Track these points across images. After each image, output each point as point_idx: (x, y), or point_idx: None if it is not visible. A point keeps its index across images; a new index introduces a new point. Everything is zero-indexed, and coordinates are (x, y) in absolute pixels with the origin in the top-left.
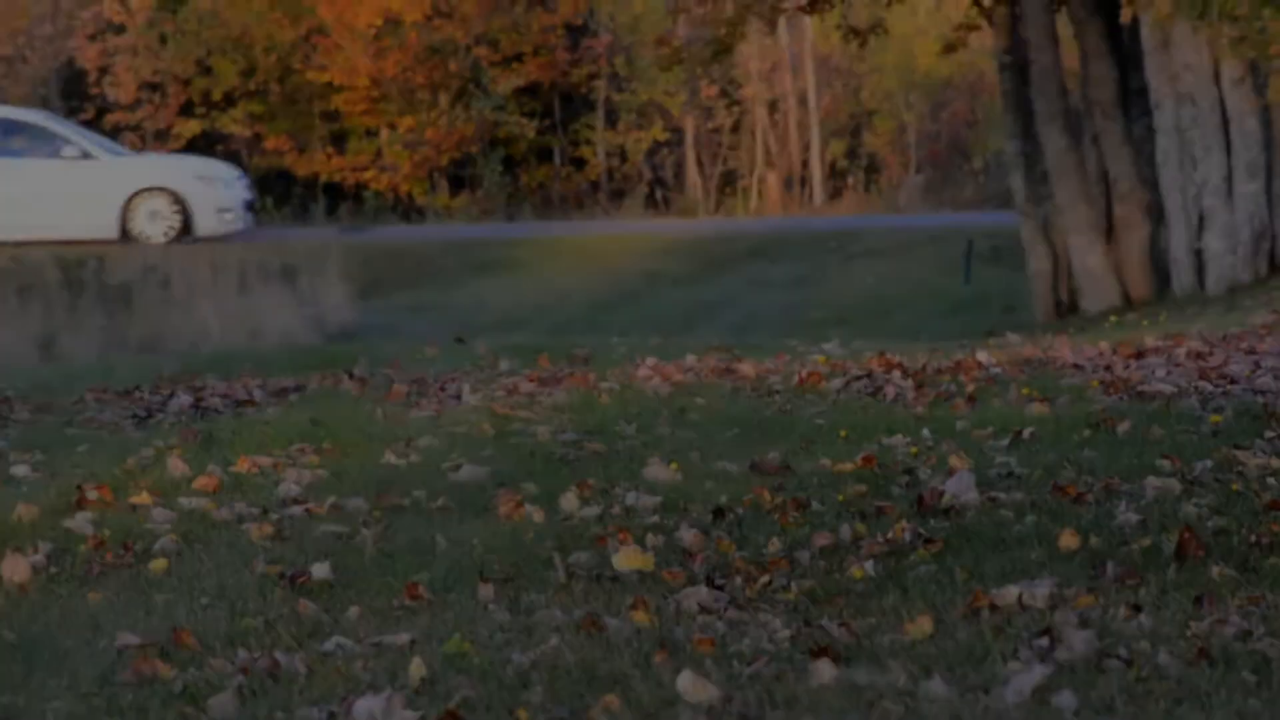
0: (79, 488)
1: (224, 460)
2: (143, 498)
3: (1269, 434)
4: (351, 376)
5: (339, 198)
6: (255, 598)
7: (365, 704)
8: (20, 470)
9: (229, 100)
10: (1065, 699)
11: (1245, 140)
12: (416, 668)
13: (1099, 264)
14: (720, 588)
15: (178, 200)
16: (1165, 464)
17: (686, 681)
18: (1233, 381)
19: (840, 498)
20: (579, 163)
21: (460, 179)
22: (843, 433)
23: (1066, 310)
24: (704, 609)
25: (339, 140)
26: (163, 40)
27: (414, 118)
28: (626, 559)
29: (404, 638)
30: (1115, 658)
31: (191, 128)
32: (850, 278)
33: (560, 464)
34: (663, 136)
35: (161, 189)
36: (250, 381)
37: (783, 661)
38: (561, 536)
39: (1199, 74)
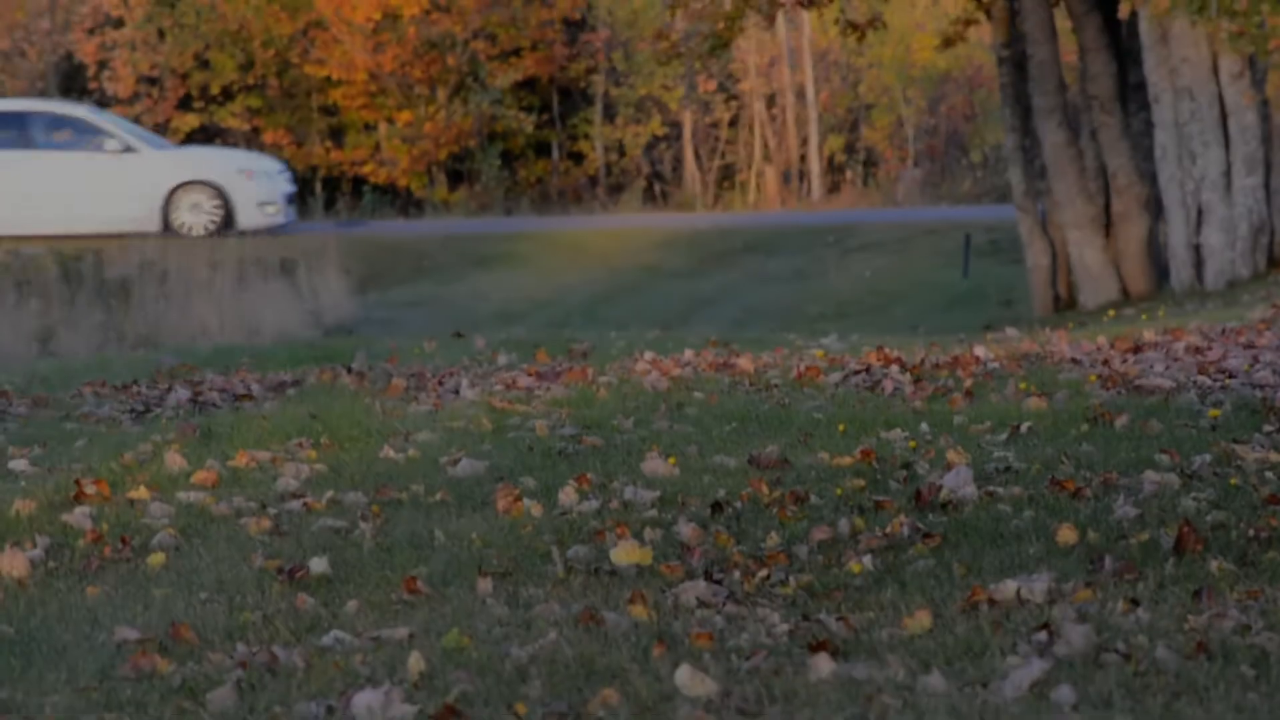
0: (77, 482)
1: (222, 455)
2: (141, 492)
3: (1267, 428)
4: (349, 371)
5: (337, 192)
6: (253, 592)
7: (364, 698)
8: (18, 465)
9: (227, 94)
10: (1063, 693)
11: (1243, 135)
12: (415, 662)
13: (1097, 258)
14: (718, 582)
15: (219, 193)
16: (1163, 458)
17: (685, 676)
18: (1231, 376)
19: (838, 492)
20: (577, 157)
21: (458, 173)
22: (841, 427)
23: (1064, 305)
24: (702, 603)
25: (337, 134)
26: (161, 34)
27: (412, 112)
28: (625, 553)
29: (402, 632)
30: (1113, 652)
31: (189, 122)
32: (848, 272)
33: (558, 458)
34: (661, 131)
35: (203, 182)
36: (248, 376)
37: (781, 656)
38: (560, 531)
39: (1197, 68)
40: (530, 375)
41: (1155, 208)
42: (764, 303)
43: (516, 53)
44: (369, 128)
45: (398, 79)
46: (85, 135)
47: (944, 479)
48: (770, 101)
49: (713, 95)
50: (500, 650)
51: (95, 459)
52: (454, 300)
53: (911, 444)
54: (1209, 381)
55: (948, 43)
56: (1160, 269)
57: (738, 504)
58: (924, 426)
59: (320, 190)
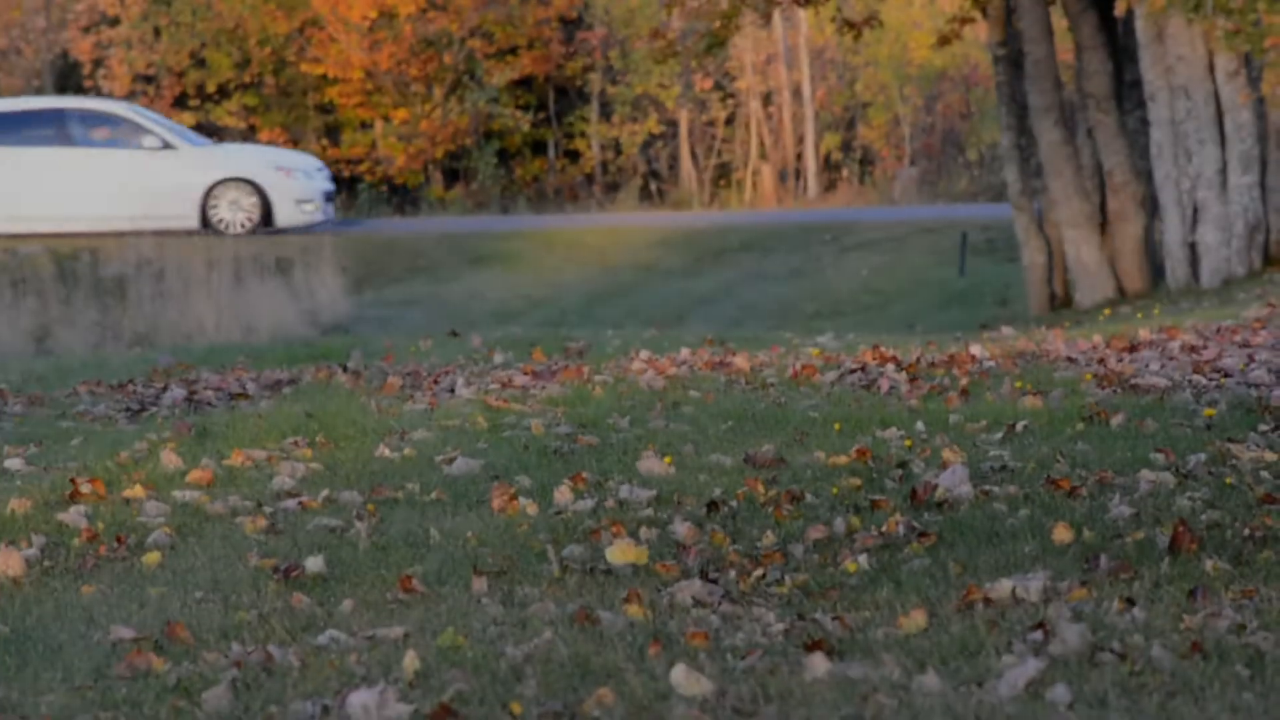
0: (72, 481)
1: (217, 453)
2: (136, 491)
3: (1262, 427)
4: (345, 370)
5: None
6: (249, 591)
7: (359, 697)
8: (13, 463)
9: (223, 92)
10: (1059, 692)
11: (1239, 133)
12: (410, 661)
13: (1093, 257)
14: (714, 581)
15: (257, 191)
16: (1159, 457)
17: (680, 675)
18: (1226, 375)
19: (834, 491)
20: (573, 155)
21: (455, 171)
22: (837, 426)
23: (1060, 303)
24: (698, 602)
25: (333, 133)
26: (157, 32)
27: (408, 110)
28: (620, 552)
29: (398, 631)
30: (1109, 651)
31: (186, 120)
32: (844, 270)
33: (554, 457)
34: (657, 129)
35: (241, 179)
36: (244, 375)
37: (776, 655)
38: (555, 530)
39: (1193, 67)
40: (526, 374)
41: (1151, 206)
42: (760, 301)
43: (513, 51)
44: (365, 126)
45: (394, 77)
46: (124, 132)
47: (939, 478)
48: (767, 100)
49: (709, 94)
50: (495, 649)
51: (91, 458)
52: (450, 299)
53: (907, 443)
54: (1204, 380)
55: (944, 41)
56: (1156, 267)
57: (733, 503)
58: (920, 425)
59: None
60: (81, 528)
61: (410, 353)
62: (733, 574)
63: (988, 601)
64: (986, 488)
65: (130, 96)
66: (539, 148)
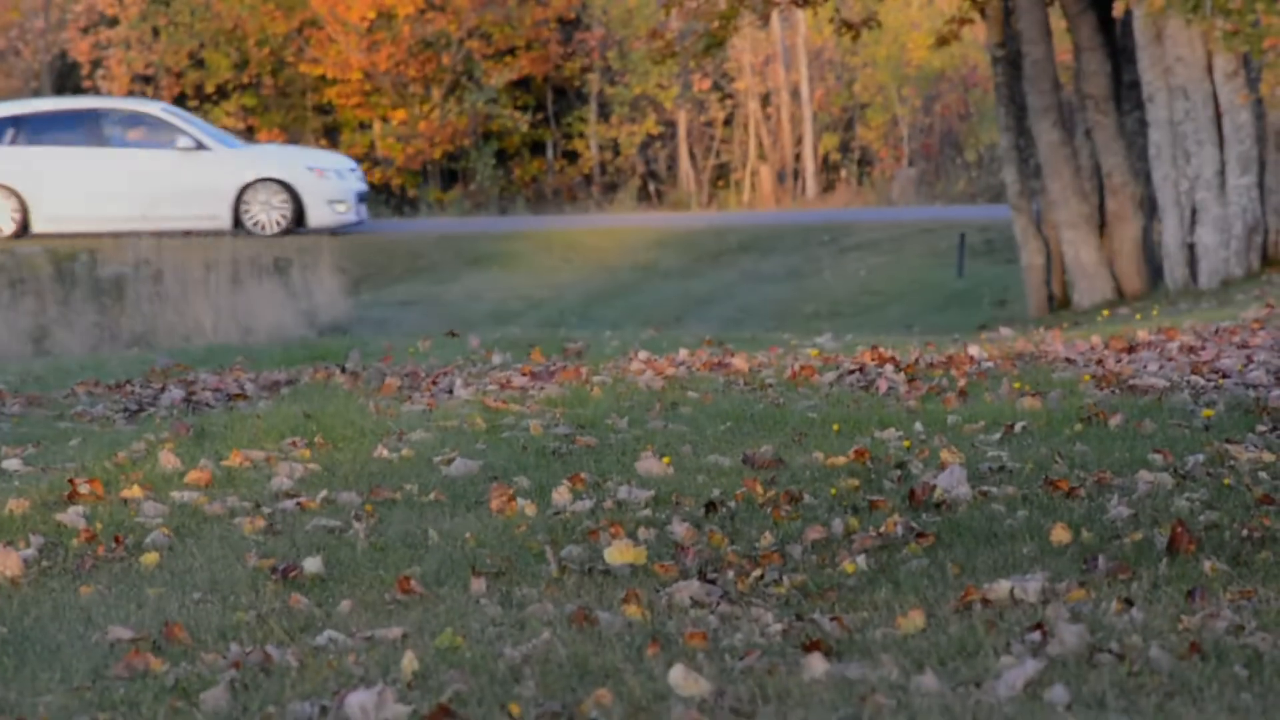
0: (71, 482)
1: (216, 454)
2: (134, 491)
3: (1261, 428)
4: (343, 370)
5: None
6: (247, 591)
7: (357, 698)
8: (12, 464)
9: (222, 93)
10: (1057, 693)
11: (1238, 134)
12: (408, 662)
13: (1091, 258)
14: (712, 581)
15: (289, 191)
16: (1157, 458)
17: (678, 675)
18: (1225, 376)
19: (832, 491)
20: (571, 156)
21: (453, 172)
22: (835, 426)
23: (1059, 304)
24: (696, 603)
25: (332, 133)
26: (155, 33)
27: (406, 111)
28: (618, 553)
29: (396, 631)
30: (1107, 652)
31: None
32: (843, 271)
33: (552, 458)
34: (655, 130)
35: (273, 180)
36: (242, 375)
37: (774, 655)
38: (553, 530)
39: (1192, 68)
40: (524, 375)
41: (1149, 207)
42: (758, 302)
43: (511, 52)
44: (364, 126)
45: (392, 78)
46: (158, 133)
47: (938, 478)
48: (765, 100)
49: (707, 94)
50: (494, 650)
51: (89, 458)
52: (448, 299)
53: (905, 443)
54: (1203, 381)
55: (942, 42)
56: (1154, 268)
57: (732, 504)
58: (918, 426)
59: None
60: (80, 528)
61: (408, 353)
62: (731, 574)
63: (986, 602)
64: (985, 488)
65: (129, 97)
66: (537, 148)
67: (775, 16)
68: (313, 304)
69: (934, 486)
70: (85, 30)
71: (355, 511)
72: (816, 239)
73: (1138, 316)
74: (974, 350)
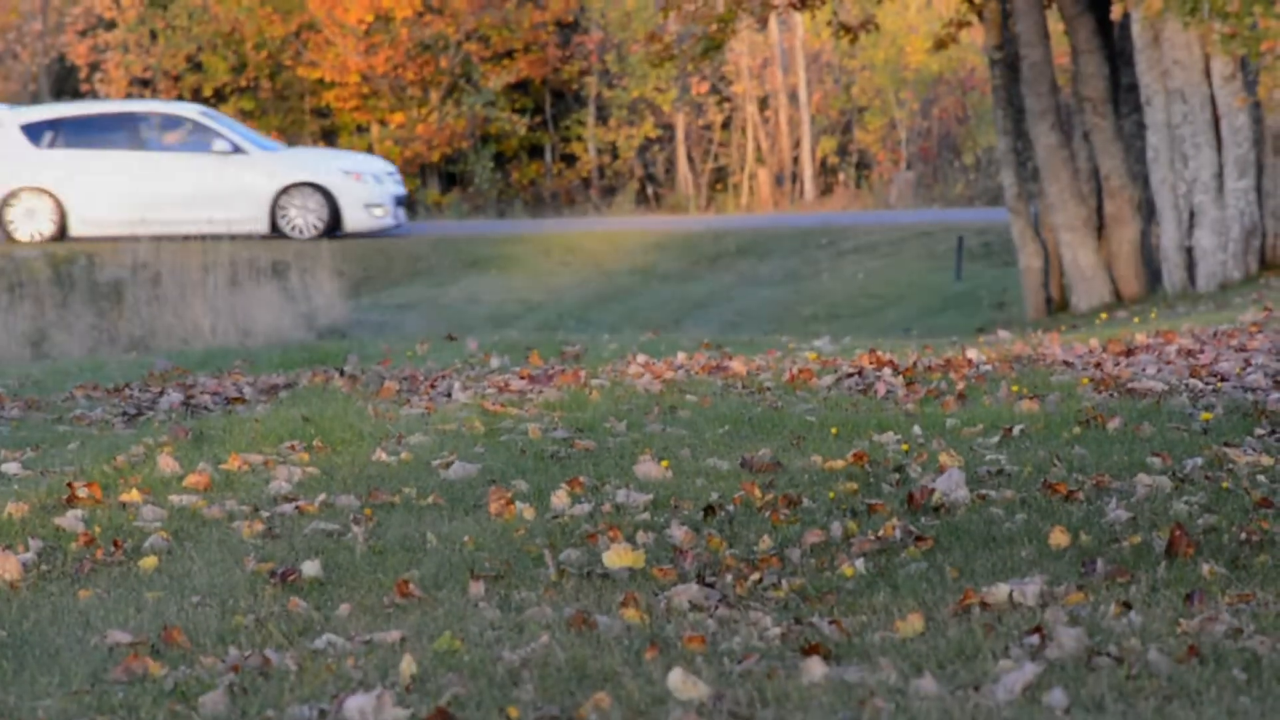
0: (69, 485)
1: (214, 458)
2: (133, 495)
3: (1259, 431)
4: (342, 374)
5: None
6: (246, 595)
7: (356, 701)
8: (10, 468)
9: (220, 96)
10: (1056, 696)
11: (1235, 137)
12: (407, 665)
13: (1089, 261)
14: (711, 585)
15: (326, 195)
16: (1155, 461)
17: (677, 679)
18: (1223, 379)
19: (831, 495)
20: (570, 159)
21: (451, 175)
22: (833, 430)
23: (1057, 307)
24: (695, 606)
25: (330, 136)
26: (153, 36)
27: (405, 114)
28: (617, 556)
29: (395, 635)
30: (1105, 655)
31: None
32: (841, 274)
33: (551, 461)
34: (654, 133)
35: (310, 184)
36: (240, 379)
37: (773, 659)
38: (552, 534)
39: (1189, 71)
40: (523, 378)
41: (1147, 210)
42: (756, 305)
43: (509, 55)
44: (362, 130)
45: (390, 81)
46: (195, 136)
47: (936, 482)
48: (763, 104)
49: (705, 97)
50: (492, 653)
51: (87, 462)
52: (447, 303)
53: (904, 447)
54: (1201, 384)
55: (940, 45)
56: (1152, 271)
57: (730, 507)
58: (916, 429)
59: None
60: (78, 532)
61: (407, 357)
62: (729, 578)
63: (984, 605)
64: (983, 492)
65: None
66: (535, 151)
67: (773, 20)
68: (311, 307)
69: (932, 490)
70: (83, 33)
71: (354, 515)
72: (814, 242)
73: (1136, 319)
74: (972, 353)
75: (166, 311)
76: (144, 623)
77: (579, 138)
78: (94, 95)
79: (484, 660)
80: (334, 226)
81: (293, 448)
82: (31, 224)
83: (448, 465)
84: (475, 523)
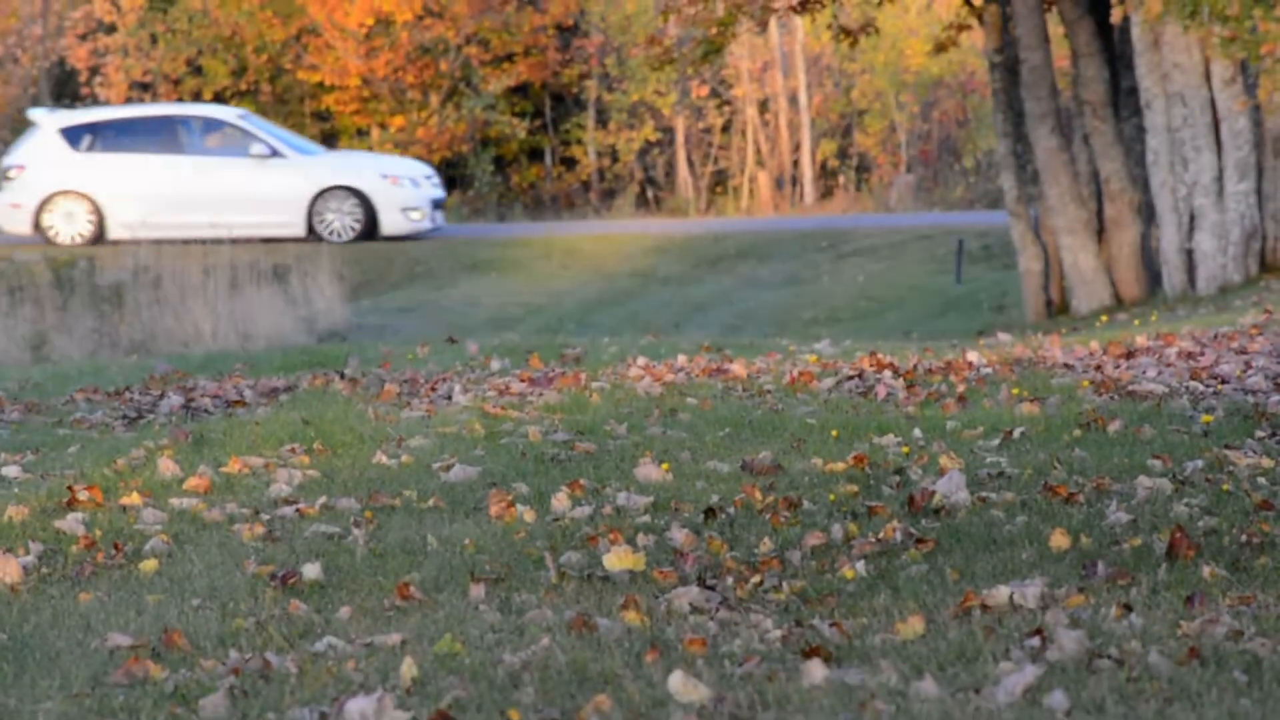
0: (70, 488)
1: (215, 461)
2: (133, 498)
3: (1260, 434)
4: (342, 377)
5: None
6: (246, 598)
7: (356, 704)
8: (11, 471)
9: (220, 100)
10: (1056, 699)
11: (1235, 140)
12: (408, 668)
13: (1090, 264)
14: (711, 588)
15: (362, 199)
16: (1156, 464)
17: (678, 681)
18: (1223, 381)
19: (831, 497)
20: (570, 162)
21: (451, 179)
22: (834, 432)
23: (1057, 310)
24: (695, 609)
25: (330, 140)
26: (153, 40)
27: (405, 117)
28: (617, 559)
29: (395, 638)
30: (1106, 658)
31: None
32: (841, 277)
33: (551, 464)
34: (654, 136)
35: (346, 188)
36: (241, 382)
37: (774, 661)
38: (552, 536)
39: (1189, 74)
40: (523, 381)
41: (1147, 213)
42: (757, 308)
43: (509, 58)
44: (362, 133)
45: (390, 84)
46: (233, 140)
47: (937, 484)
48: (763, 107)
49: (705, 101)
50: (493, 656)
51: (88, 465)
52: (447, 305)
53: (904, 449)
54: (1201, 387)
55: (940, 48)
56: (1152, 274)
57: (731, 510)
58: (917, 432)
59: None
60: (79, 535)
61: (407, 360)
62: (730, 580)
63: (985, 608)
64: (984, 494)
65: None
66: (535, 155)
67: (773, 23)
68: (312, 310)
69: (933, 492)
70: (83, 37)
71: (354, 518)
72: (815, 245)
73: (1136, 322)
74: (972, 356)
75: (167, 315)
76: (144, 625)
77: (579, 141)
78: (94, 99)
79: (484, 663)
80: (371, 230)
81: (293, 450)
82: (71, 227)
83: (448, 468)
84: (476, 525)
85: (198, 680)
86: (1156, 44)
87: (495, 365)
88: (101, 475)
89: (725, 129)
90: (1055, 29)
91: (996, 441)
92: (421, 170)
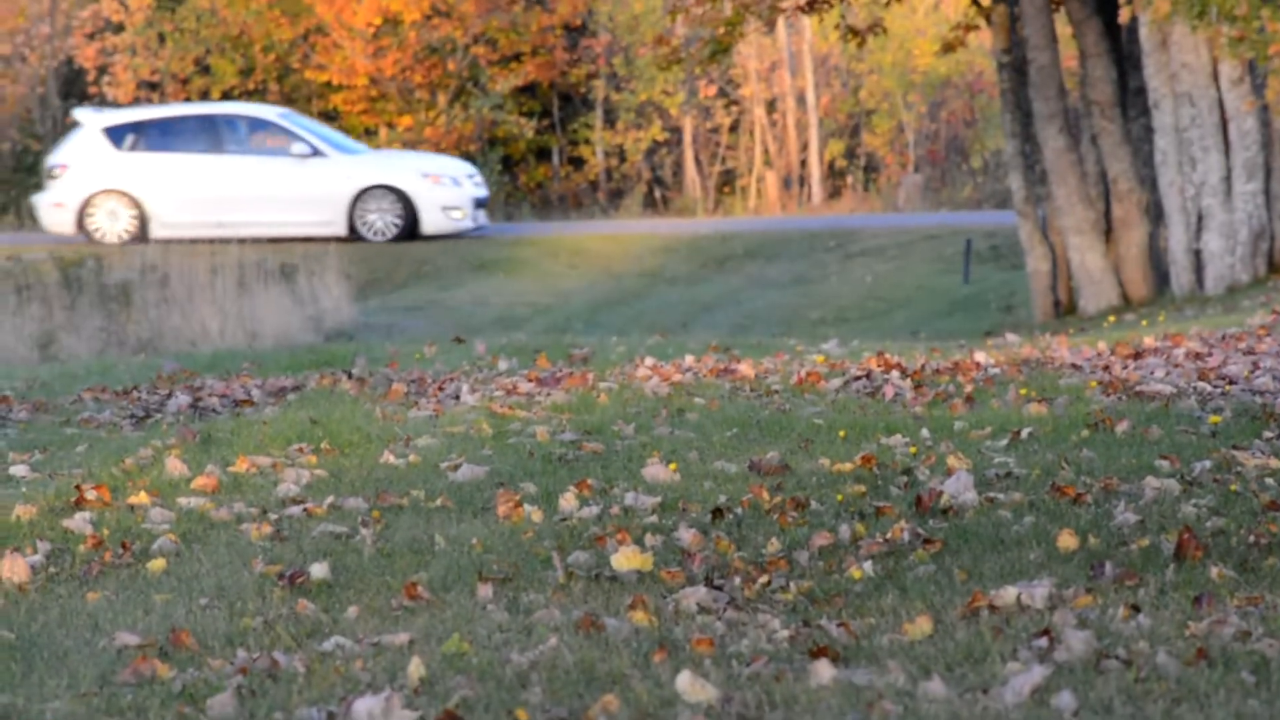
0: (77, 488)
1: (222, 460)
2: (141, 498)
3: (1268, 434)
4: (350, 376)
5: None
6: (254, 598)
7: (364, 704)
8: (19, 470)
9: (227, 99)
10: (1064, 699)
11: (1243, 140)
12: (415, 667)
13: (1097, 264)
14: (719, 588)
15: (403, 198)
16: (1164, 464)
17: (685, 682)
18: (1231, 382)
19: (839, 498)
20: (577, 162)
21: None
22: (841, 433)
23: (1065, 310)
24: (703, 609)
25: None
26: (161, 39)
27: (412, 117)
28: (625, 559)
29: (403, 637)
30: (1114, 658)
31: None
32: (849, 277)
33: (559, 464)
34: (661, 136)
35: (387, 187)
36: (249, 381)
37: (781, 662)
38: (560, 536)
39: (1197, 74)
40: (531, 381)
41: (1155, 213)
42: (764, 308)
43: (517, 58)
44: (370, 133)
45: (398, 84)
46: (274, 139)
47: (944, 485)
48: (771, 107)
49: (713, 100)
50: (501, 656)
51: (96, 464)
52: (454, 305)
53: (912, 450)
54: (1209, 387)
55: (948, 48)
56: (1160, 274)
57: (738, 510)
58: (924, 432)
59: None
60: (87, 534)
61: (415, 359)
62: (738, 581)
63: (993, 608)
64: (991, 494)
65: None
66: (543, 154)
67: (781, 23)
68: (319, 310)
69: (941, 493)
70: (91, 36)
71: (362, 517)
72: (822, 245)
73: (1144, 323)
74: (980, 356)
75: (174, 314)
76: (152, 625)
77: (586, 141)
78: (102, 98)
79: (492, 662)
80: (412, 229)
81: (301, 450)
82: (114, 226)
83: (456, 467)
84: (483, 525)
85: (205, 679)
86: (1164, 44)
87: (503, 365)
88: (109, 474)
89: (733, 129)
90: (1063, 29)
91: (1004, 442)
92: (464, 169)
